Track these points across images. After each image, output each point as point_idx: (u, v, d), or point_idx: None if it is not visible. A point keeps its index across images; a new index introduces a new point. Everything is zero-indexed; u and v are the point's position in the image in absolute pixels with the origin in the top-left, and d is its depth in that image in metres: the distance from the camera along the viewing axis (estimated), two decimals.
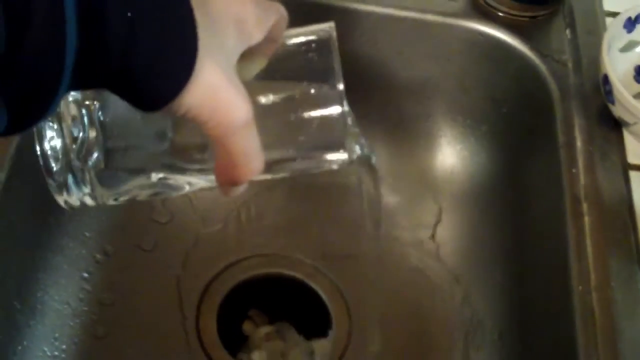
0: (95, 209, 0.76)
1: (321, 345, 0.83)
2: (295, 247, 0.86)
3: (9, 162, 0.69)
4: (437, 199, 0.90)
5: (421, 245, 0.87)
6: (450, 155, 0.91)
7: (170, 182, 0.45)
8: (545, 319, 0.73)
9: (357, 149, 0.47)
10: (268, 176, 0.45)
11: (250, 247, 0.86)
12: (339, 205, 0.88)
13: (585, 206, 0.70)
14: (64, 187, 0.43)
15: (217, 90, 0.37)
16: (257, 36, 0.40)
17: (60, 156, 0.42)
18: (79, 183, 0.43)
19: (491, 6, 0.83)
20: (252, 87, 0.39)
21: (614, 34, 0.75)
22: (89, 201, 0.44)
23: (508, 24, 0.83)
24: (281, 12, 0.43)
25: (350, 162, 0.46)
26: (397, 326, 0.82)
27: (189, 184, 0.46)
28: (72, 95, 0.42)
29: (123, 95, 0.36)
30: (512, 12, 0.83)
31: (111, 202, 0.46)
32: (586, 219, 0.70)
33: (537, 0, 0.83)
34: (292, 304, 0.84)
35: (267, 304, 0.86)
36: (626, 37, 0.77)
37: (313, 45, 0.44)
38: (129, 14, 0.33)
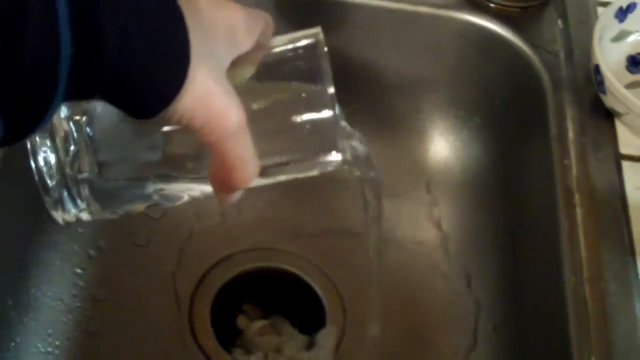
0: None
1: (316, 339, 0.83)
2: (289, 241, 0.86)
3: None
4: (430, 191, 0.90)
5: (414, 238, 0.87)
6: (443, 147, 0.91)
7: (166, 192, 0.45)
8: (539, 311, 0.73)
9: (350, 151, 0.47)
10: (263, 182, 0.46)
11: (243, 241, 0.86)
12: (334, 199, 0.88)
13: (577, 197, 0.70)
14: (59, 203, 0.43)
15: (210, 97, 0.37)
16: (247, 44, 0.41)
17: (54, 172, 0.42)
18: (74, 198, 0.43)
19: None
20: (243, 93, 0.40)
21: (605, 24, 0.75)
22: (85, 216, 0.45)
23: (500, 14, 0.83)
24: (268, 20, 0.43)
25: (344, 163, 0.46)
26: (391, 319, 0.81)
27: (185, 193, 0.46)
28: (63, 111, 0.42)
29: (117, 103, 0.36)
30: (503, 3, 0.83)
31: (108, 215, 0.46)
32: (578, 210, 0.70)
33: None
34: (286, 298, 0.84)
35: (261, 298, 0.86)
36: (618, 27, 0.77)
37: (301, 51, 0.44)
38: (121, 22, 0.33)
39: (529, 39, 0.82)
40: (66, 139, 0.42)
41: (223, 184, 0.41)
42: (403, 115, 0.91)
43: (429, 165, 0.92)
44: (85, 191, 0.43)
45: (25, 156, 0.42)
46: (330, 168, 0.46)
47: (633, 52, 0.78)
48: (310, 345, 0.82)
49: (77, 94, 0.34)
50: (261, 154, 0.41)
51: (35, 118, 0.33)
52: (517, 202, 0.82)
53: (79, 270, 0.80)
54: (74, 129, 0.42)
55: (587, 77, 0.76)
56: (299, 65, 0.45)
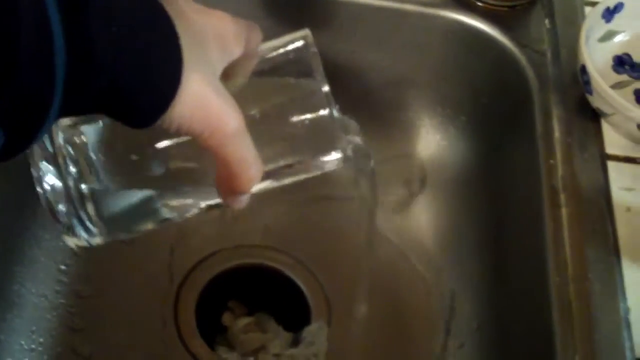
0: None
1: (302, 336, 0.83)
2: (275, 239, 0.86)
3: None
4: (415, 188, 0.90)
5: (399, 236, 0.87)
6: (429, 145, 0.91)
7: (175, 206, 0.46)
8: (523, 310, 0.73)
9: (350, 148, 0.47)
10: (270, 186, 0.46)
11: (230, 238, 0.86)
12: (321, 196, 0.88)
13: (563, 197, 0.71)
14: (71, 229, 0.43)
15: (206, 100, 0.37)
16: (236, 50, 0.41)
17: (61, 198, 0.42)
18: (83, 223, 0.43)
19: None
20: (239, 102, 0.40)
21: (592, 24, 0.75)
22: (97, 240, 0.45)
23: (487, 13, 0.83)
24: (255, 27, 0.44)
25: (345, 161, 0.46)
26: (375, 316, 0.82)
27: (194, 205, 0.46)
28: (61, 136, 0.42)
29: (114, 114, 0.37)
30: (490, 1, 0.83)
31: (121, 237, 0.46)
32: (564, 210, 0.70)
33: None
34: (271, 295, 0.84)
35: (246, 295, 0.86)
36: (605, 27, 0.77)
37: (292, 54, 0.45)
38: (113, 30, 0.33)
39: (516, 38, 0.82)
40: (68, 162, 0.42)
41: (229, 188, 0.41)
42: (389, 113, 0.91)
43: (414, 163, 0.92)
44: (93, 214, 0.43)
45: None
46: (333, 166, 0.46)
47: (619, 52, 0.78)
48: (295, 343, 0.82)
49: (75, 105, 0.34)
50: (264, 160, 0.41)
51: (35, 125, 0.33)
52: (502, 200, 0.82)
53: (63, 267, 0.80)
54: (73, 152, 0.42)
55: (573, 76, 0.76)
56: (291, 68, 0.45)
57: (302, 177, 0.46)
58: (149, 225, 0.46)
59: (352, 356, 0.81)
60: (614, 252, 0.67)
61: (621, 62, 0.78)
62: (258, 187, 0.43)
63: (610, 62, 0.78)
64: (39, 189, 0.42)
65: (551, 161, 0.73)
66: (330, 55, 0.86)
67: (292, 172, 0.46)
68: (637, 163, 0.73)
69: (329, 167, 0.46)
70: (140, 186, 0.44)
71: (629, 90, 0.77)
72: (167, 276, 0.82)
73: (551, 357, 0.63)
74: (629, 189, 0.71)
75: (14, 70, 0.30)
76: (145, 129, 0.37)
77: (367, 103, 0.91)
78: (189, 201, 0.46)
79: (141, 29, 0.35)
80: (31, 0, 0.31)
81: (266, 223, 0.87)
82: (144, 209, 0.45)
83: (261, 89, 0.45)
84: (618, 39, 0.78)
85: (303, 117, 0.44)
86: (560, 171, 0.72)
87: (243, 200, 0.43)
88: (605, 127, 0.75)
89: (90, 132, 0.42)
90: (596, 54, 0.75)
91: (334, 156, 0.45)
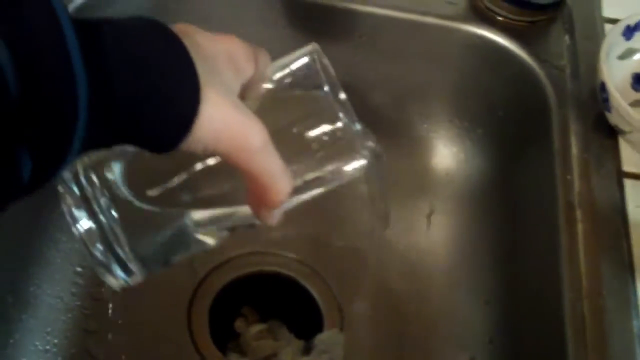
0: None
1: (314, 344, 0.83)
2: (289, 246, 0.86)
3: None
4: (431, 201, 0.90)
5: (414, 247, 0.87)
6: (446, 157, 0.91)
7: (209, 230, 0.46)
8: (536, 325, 0.73)
9: (371, 154, 0.47)
10: (297, 200, 0.46)
11: (244, 244, 0.86)
12: (335, 205, 0.88)
13: (579, 213, 0.70)
14: (110, 270, 0.43)
15: (228, 119, 0.38)
16: (248, 70, 0.42)
17: (97, 239, 0.42)
18: (121, 262, 0.43)
19: (490, 10, 0.83)
20: (260, 115, 0.40)
21: (612, 42, 0.75)
22: (138, 278, 0.45)
23: (507, 28, 0.83)
24: (262, 49, 0.45)
25: (368, 167, 0.46)
26: (387, 326, 0.82)
27: (228, 227, 0.46)
28: (88, 175, 0.42)
29: (137, 142, 0.37)
30: (511, 16, 0.83)
31: (160, 270, 0.46)
32: (580, 226, 0.70)
33: (537, 5, 0.82)
34: (284, 302, 0.84)
35: (259, 301, 0.86)
36: (624, 45, 0.77)
37: (303, 69, 0.45)
38: (130, 61, 0.34)
39: (535, 53, 0.82)
40: (98, 202, 0.42)
41: (261, 203, 0.42)
42: (407, 124, 0.92)
43: (431, 175, 0.92)
44: (128, 252, 0.43)
45: None
46: (357, 174, 0.46)
47: (639, 70, 0.78)
48: (307, 351, 0.82)
49: (98, 136, 0.35)
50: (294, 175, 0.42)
51: (59, 152, 0.33)
52: (517, 215, 0.82)
53: (79, 269, 0.80)
54: (102, 191, 0.42)
55: (592, 93, 0.76)
56: (304, 82, 0.45)
57: (329, 188, 0.47)
58: (186, 255, 0.46)
59: None
60: (629, 269, 0.67)
61: None
62: (289, 203, 0.43)
63: (630, 80, 0.78)
64: (75, 230, 0.42)
65: (568, 177, 0.73)
66: (349, 66, 0.87)
67: (319, 184, 0.46)
68: None
69: (354, 175, 0.46)
70: (173, 216, 0.44)
71: None
72: (182, 281, 0.82)
73: None
74: None
75: (36, 98, 0.31)
76: (172, 157, 0.38)
77: (384, 114, 0.91)
78: (223, 224, 0.46)
79: (157, 57, 0.36)
80: (51, 34, 0.31)
81: (282, 231, 0.87)
82: (179, 239, 0.45)
83: (278, 106, 0.45)
84: (638, 56, 0.78)
85: (323, 127, 0.44)
86: (576, 187, 0.72)
87: (276, 216, 0.43)
88: (623, 144, 0.75)
89: (116, 168, 0.43)
90: (616, 72, 0.75)
91: (358, 163, 0.45)
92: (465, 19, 0.84)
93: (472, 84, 0.87)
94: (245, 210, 0.43)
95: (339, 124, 0.43)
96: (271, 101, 0.45)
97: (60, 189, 0.42)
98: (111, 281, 0.44)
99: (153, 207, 0.43)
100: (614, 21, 0.81)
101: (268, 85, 0.44)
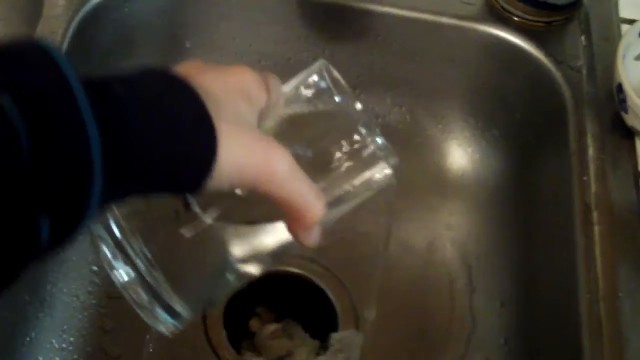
0: None
1: (330, 342, 0.83)
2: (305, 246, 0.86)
3: None
4: (446, 200, 0.90)
5: (428, 247, 0.87)
6: (461, 157, 0.91)
7: (249, 261, 0.45)
8: (552, 327, 0.73)
9: (394, 159, 0.47)
10: (332, 216, 0.45)
11: None
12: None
13: (595, 215, 0.70)
14: (157, 315, 0.43)
15: (248, 151, 0.38)
16: (262, 98, 0.42)
17: (139, 289, 0.42)
18: (167, 307, 0.43)
19: (507, 10, 0.83)
20: (279, 141, 0.40)
21: (629, 42, 0.75)
22: (186, 319, 0.44)
23: (523, 28, 0.83)
24: (271, 74, 0.44)
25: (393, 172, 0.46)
26: (403, 327, 0.82)
27: (268, 254, 0.46)
28: (119, 225, 0.42)
29: (158, 190, 0.37)
30: (527, 17, 0.83)
31: (206, 307, 0.46)
32: (596, 227, 0.70)
33: (553, 5, 0.82)
34: (299, 302, 0.84)
35: (274, 301, 0.86)
36: None
37: (315, 87, 0.45)
38: (143, 118, 0.34)
39: (552, 54, 0.82)
40: (134, 251, 0.41)
41: (297, 226, 0.42)
42: (422, 124, 0.91)
43: (445, 175, 0.92)
44: (173, 296, 0.42)
45: None
46: (386, 182, 0.46)
47: None
48: (322, 350, 0.82)
49: (117, 192, 0.35)
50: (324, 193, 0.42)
51: (78, 214, 0.33)
52: (533, 216, 0.82)
53: (95, 268, 0.80)
54: (136, 239, 0.42)
55: (608, 94, 0.76)
56: (318, 99, 0.45)
57: (361, 199, 0.46)
58: (230, 289, 0.46)
59: None
60: None
61: None
62: (325, 221, 0.43)
63: None
64: (116, 282, 0.42)
65: (584, 178, 0.72)
66: (364, 66, 0.87)
67: (351, 197, 0.46)
68: None
69: (381, 184, 0.46)
70: (212, 253, 0.44)
71: None
72: None
73: None
74: None
75: (51, 164, 0.31)
76: (200, 196, 0.38)
77: (399, 114, 0.91)
78: (262, 251, 0.45)
79: (167, 107, 0.36)
80: (61, 96, 0.32)
81: None
82: (220, 275, 0.45)
83: (296, 127, 0.45)
84: None
85: (345, 141, 0.44)
86: (593, 188, 0.72)
87: (315, 236, 0.43)
88: None
89: (149, 216, 0.43)
90: (633, 73, 0.75)
91: (383, 172, 0.45)
92: (481, 19, 0.84)
93: (487, 85, 0.87)
94: (284, 235, 0.43)
95: (360, 135, 0.44)
96: (289, 124, 0.45)
97: (95, 240, 0.42)
98: (160, 327, 0.44)
99: (190, 247, 0.43)
100: (630, 22, 0.81)
101: (283, 109, 0.44)
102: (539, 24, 0.83)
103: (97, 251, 0.42)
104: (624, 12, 0.85)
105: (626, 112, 0.72)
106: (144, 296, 0.42)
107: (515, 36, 0.83)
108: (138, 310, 0.43)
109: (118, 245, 0.41)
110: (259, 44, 0.88)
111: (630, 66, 0.75)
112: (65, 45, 0.77)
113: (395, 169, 0.47)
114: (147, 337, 0.78)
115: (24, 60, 0.32)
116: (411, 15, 0.84)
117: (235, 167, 0.37)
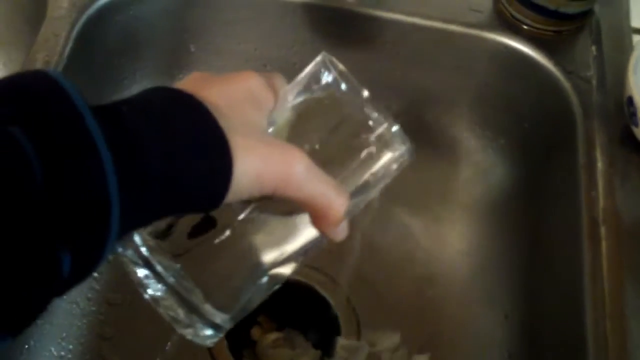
0: None
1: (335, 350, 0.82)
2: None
3: None
4: (451, 211, 0.89)
5: (433, 257, 0.86)
6: (468, 166, 0.90)
7: (279, 264, 0.45)
8: (557, 343, 0.72)
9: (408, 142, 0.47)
10: (357, 207, 0.46)
11: None
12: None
13: (603, 230, 0.69)
14: (196, 328, 0.43)
15: (263, 159, 0.38)
16: (269, 100, 0.42)
17: (173, 302, 0.42)
18: (206, 320, 0.43)
19: (516, 19, 0.82)
20: (293, 140, 0.41)
21: None
22: (226, 328, 0.45)
23: (533, 37, 0.82)
24: (276, 73, 0.45)
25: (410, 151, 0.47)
26: (406, 339, 0.81)
27: (296, 254, 0.46)
28: (149, 242, 0.42)
29: (178, 211, 0.38)
30: (537, 25, 0.82)
31: (244, 315, 0.46)
32: (603, 243, 0.69)
33: (563, 14, 0.81)
34: (301, 311, 0.83)
35: (275, 310, 0.85)
36: None
37: (321, 80, 0.45)
38: (153, 136, 0.35)
39: (562, 63, 0.80)
40: (165, 270, 0.42)
41: (324, 223, 0.42)
42: (428, 132, 0.90)
43: (452, 183, 0.91)
44: (209, 308, 0.43)
45: None
46: (404, 165, 0.47)
47: None
48: (326, 357, 0.81)
49: (136, 219, 0.35)
50: (344, 185, 0.42)
51: (98, 245, 0.33)
52: (539, 229, 0.81)
53: (95, 274, 0.80)
54: (165, 258, 0.42)
55: (619, 105, 0.75)
56: (326, 91, 0.45)
57: (382, 186, 0.47)
58: (266, 292, 0.46)
59: None
60: None
61: None
62: (350, 212, 0.43)
63: None
64: (151, 302, 0.42)
65: (593, 192, 0.71)
66: (371, 72, 0.86)
67: (372, 184, 0.46)
68: None
69: (399, 166, 0.46)
70: (240, 259, 0.44)
71: None
72: None
73: None
74: None
75: (66, 195, 0.31)
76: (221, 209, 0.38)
77: (407, 121, 0.89)
78: (290, 254, 0.46)
79: (177, 124, 0.36)
80: (75, 125, 0.32)
81: None
82: (254, 280, 0.45)
83: (308, 123, 0.45)
84: None
85: (357, 130, 0.44)
86: (601, 203, 0.71)
87: (342, 230, 0.43)
88: None
89: (174, 231, 0.43)
90: None
91: (399, 156, 0.46)
92: (490, 28, 0.82)
93: (495, 93, 0.86)
94: (311, 231, 0.43)
95: (372, 121, 0.44)
96: (300, 120, 0.45)
97: (124, 262, 0.42)
98: (201, 339, 0.44)
99: (220, 258, 0.43)
100: None
101: (292, 107, 0.45)
102: (549, 32, 0.82)
103: (129, 272, 0.42)
104: (636, 21, 0.83)
105: (636, 125, 0.70)
106: (181, 312, 0.42)
107: (524, 45, 0.81)
108: (178, 328, 0.43)
109: (147, 264, 0.42)
110: (264, 49, 0.87)
111: None
112: (69, 48, 0.76)
113: (409, 150, 0.47)
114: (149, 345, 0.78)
115: (34, 92, 0.32)
116: (420, 22, 0.82)
117: (253, 178, 0.38)
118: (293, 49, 0.86)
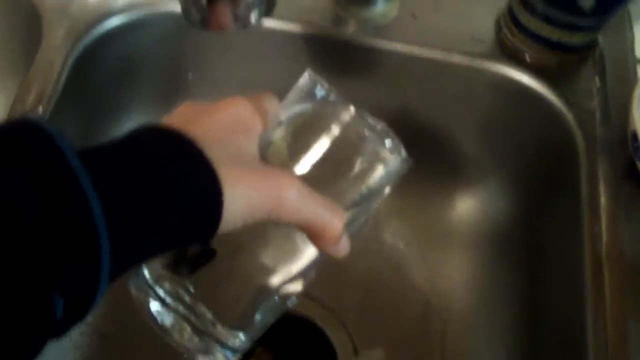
0: None
1: None
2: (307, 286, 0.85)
3: None
4: (451, 241, 0.88)
5: (432, 288, 0.85)
6: (468, 197, 0.89)
7: (287, 283, 0.45)
8: None
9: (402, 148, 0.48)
10: (358, 221, 0.46)
11: None
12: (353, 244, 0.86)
13: (606, 267, 0.68)
14: (214, 353, 0.43)
15: (253, 187, 0.38)
16: (258, 124, 0.42)
17: (187, 330, 0.42)
18: (222, 343, 0.43)
19: (519, 49, 0.81)
20: (291, 164, 0.42)
21: None
22: (244, 348, 0.45)
23: (535, 68, 0.80)
24: (267, 94, 0.45)
25: (408, 160, 0.47)
26: None
27: (303, 273, 0.46)
28: (152, 275, 0.43)
29: (172, 248, 0.39)
30: (539, 56, 0.80)
31: (259, 334, 0.46)
32: (607, 279, 0.67)
33: (566, 46, 0.80)
34: (298, 344, 0.82)
35: (272, 341, 0.84)
36: None
37: (309, 97, 0.46)
38: (141, 177, 0.35)
39: (564, 95, 0.79)
40: (175, 299, 0.42)
41: (325, 242, 0.42)
42: (429, 162, 0.89)
43: (451, 214, 0.90)
44: (221, 329, 0.42)
45: None
46: (401, 173, 0.48)
47: None
48: None
49: (128, 261, 0.35)
50: (340, 200, 0.43)
51: (89, 291, 0.33)
52: (540, 264, 0.79)
53: None
54: (172, 282, 0.42)
55: (622, 138, 0.74)
56: (316, 107, 0.46)
57: (381, 196, 0.47)
58: (280, 309, 0.46)
59: None
60: None
61: None
62: (350, 227, 0.44)
63: None
64: (164, 335, 0.43)
65: (596, 228, 0.70)
66: (370, 103, 0.84)
67: (370, 196, 0.46)
68: None
69: (397, 175, 0.47)
70: (249, 279, 0.44)
71: None
72: None
73: None
74: None
75: (54, 242, 0.31)
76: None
77: (407, 150, 0.89)
78: (295, 273, 0.46)
79: (164, 162, 0.36)
80: (62, 172, 0.32)
81: None
82: (265, 299, 0.45)
83: (301, 141, 0.45)
84: None
85: (351, 142, 0.45)
86: (604, 239, 0.69)
87: (344, 246, 0.44)
88: None
89: (181, 261, 0.43)
90: None
91: (395, 164, 0.46)
92: (492, 58, 0.81)
93: (497, 125, 0.85)
94: (310, 252, 0.44)
95: (365, 134, 0.45)
96: (293, 137, 0.45)
97: (134, 296, 0.43)
98: None
99: (229, 283, 0.43)
100: None
101: (286, 124, 0.45)
102: (552, 63, 0.81)
103: (138, 306, 0.43)
104: None
105: None
106: (196, 339, 0.42)
107: (527, 76, 0.80)
108: (195, 357, 0.43)
109: (157, 295, 0.42)
110: (262, 78, 0.86)
111: None
112: (64, 76, 0.75)
113: (405, 159, 0.48)
114: None
115: (20, 140, 0.32)
116: (420, 53, 0.81)
117: (245, 207, 0.38)
118: (293, 79, 0.85)
